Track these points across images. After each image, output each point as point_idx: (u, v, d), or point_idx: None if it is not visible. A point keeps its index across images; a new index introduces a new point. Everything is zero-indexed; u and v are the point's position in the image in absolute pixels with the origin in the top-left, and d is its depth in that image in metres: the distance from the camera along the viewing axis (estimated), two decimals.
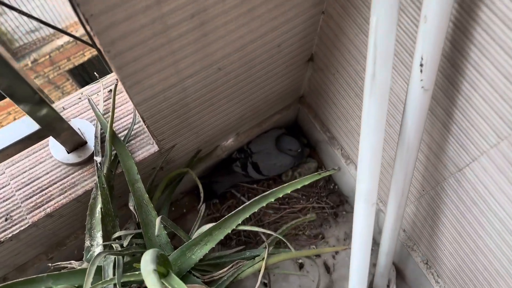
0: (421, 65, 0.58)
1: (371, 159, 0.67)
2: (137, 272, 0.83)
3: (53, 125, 0.85)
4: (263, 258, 0.92)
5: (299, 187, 0.89)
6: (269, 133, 1.23)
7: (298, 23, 0.87)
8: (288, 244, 0.92)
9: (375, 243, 1.26)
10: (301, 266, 1.22)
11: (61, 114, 0.99)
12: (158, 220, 0.84)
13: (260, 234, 0.94)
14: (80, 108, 1.01)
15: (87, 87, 1.03)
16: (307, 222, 1.26)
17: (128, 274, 0.83)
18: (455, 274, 0.97)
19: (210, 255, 0.99)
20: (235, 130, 1.17)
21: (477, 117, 0.65)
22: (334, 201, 1.28)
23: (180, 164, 1.11)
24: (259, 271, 0.92)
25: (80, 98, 1.02)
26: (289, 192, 0.89)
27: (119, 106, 1.01)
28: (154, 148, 0.98)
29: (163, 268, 0.84)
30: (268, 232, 0.89)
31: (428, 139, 0.79)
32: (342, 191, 1.30)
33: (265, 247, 0.93)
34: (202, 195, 1.01)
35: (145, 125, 0.85)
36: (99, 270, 0.87)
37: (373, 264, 1.12)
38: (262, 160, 1.20)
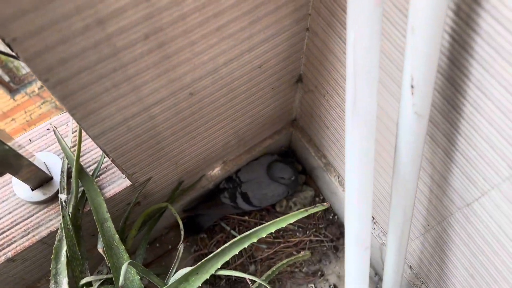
0: (412, 86, 0.48)
1: (359, 197, 0.57)
2: None
3: (9, 162, 0.76)
4: None
5: (283, 225, 0.78)
6: (259, 160, 1.13)
7: (280, 42, 0.78)
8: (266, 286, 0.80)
9: (380, 279, 1.14)
10: None
11: (28, 146, 0.91)
12: (123, 268, 0.74)
13: (247, 279, 0.83)
14: (48, 140, 0.93)
15: (56, 117, 0.95)
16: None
17: None
18: None
19: None
20: (221, 159, 1.07)
21: (484, 146, 0.55)
22: (334, 233, 1.16)
23: (160, 197, 1.02)
24: None
25: (48, 129, 0.94)
26: (273, 231, 0.78)
27: (88, 138, 0.93)
28: (126, 182, 0.88)
29: None
30: (252, 278, 0.78)
31: (430, 169, 0.68)
32: (342, 221, 1.19)
33: None
34: (182, 232, 0.90)
35: (109, 159, 0.76)
36: None
37: None
38: (253, 190, 1.10)
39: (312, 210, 0.76)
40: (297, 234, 1.15)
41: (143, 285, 0.86)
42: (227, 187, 1.12)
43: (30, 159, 0.81)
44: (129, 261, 0.77)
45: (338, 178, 1.08)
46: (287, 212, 1.19)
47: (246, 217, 1.17)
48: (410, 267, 0.98)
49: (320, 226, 1.17)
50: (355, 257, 0.63)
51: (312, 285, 1.11)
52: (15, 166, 0.78)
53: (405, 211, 0.66)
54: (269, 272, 0.91)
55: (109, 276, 0.86)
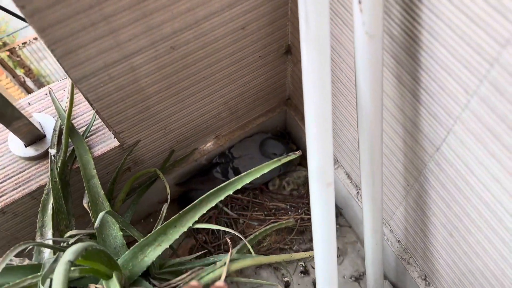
0: (359, 1, 0.49)
1: (318, 127, 0.57)
2: (72, 268, 0.74)
3: (10, 117, 0.81)
4: (225, 263, 0.81)
5: (258, 175, 0.79)
6: (253, 137, 1.15)
7: (262, 2, 0.80)
8: (249, 246, 0.80)
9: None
10: (287, 285, 1.09)
11: (27, 108, 0.96)
12: (101, 214, 0.76)
13: (227, 239, 0.83)
14: (45, 104, 0.97)
15: (55, 83, 1.00)
16: (294, 236, 1.13)
17: None
18: None
19: (171, 261, 0.89)
20: (213, 132, 1.09)
21: (443, 75, 0.55)
22: None
23: (152, 166, 1.04)
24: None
25: (46, 94, 0.98)
26: (247, 182, 0.79)
27: (83, 102, 0.97)
28: (115, 143, 0.91)
29: (107, 269, 0.75)
30: (229, 230, 0.78)
31: (401, 117, 0.68)
32: (335, 202, 1.18)
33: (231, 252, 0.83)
34: (168, 193, 0.92)
35: (93, 110, 0.79)
36: (38, 268, 0.79)
37: None
38: (244, 166, 1.11)
39: (285, 159, 0.76)
40: (289, 213, 1.15)
41: (125, 241, 0.87)
42: (219, 162, 1.13)
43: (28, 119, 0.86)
44: (107, 210, 0.79)
45: None
46: (280, 192, 1.19)
47: (239, 195, 1.17)
48: (398, 241, 0.96)
49: None
50: (318, 194, 0.62)
51: (302, 263, 1.10)
52: (7, 117, 0.82)
53: (372, 150, 0.65)
54: (252, 236, 0.91)
55: (93, 231, 0.88)
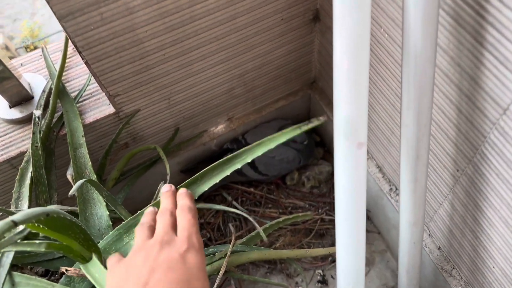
0: None
1: (351, 60, 0.43)
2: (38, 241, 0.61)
3: None
4: (226, 255, 0.67)
5: (272, 146, 0.65)
6: (271, 123, 1.01)
7: None
8: (262, 233, 0.66)
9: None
10: None
11: (18, 70, 0.86)
12: (79, 181, 0.64)
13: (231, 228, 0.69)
14: (39, 65, 0.87)
15: (52, 44, 0.90)
16: (312, 239, 0.97)
17: (25, 242, 0.61)
18: None
19: None
20: (226, 113, 0.96)
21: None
22: None
23: (153, 144, 0.91)
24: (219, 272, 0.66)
25: (41, 55, 0.88)
26: (262, 152, 0.65)
27: (80, 64, 0.86)
28: (110, 109, 0.79)
29: (84, 250, 0.62)
30: (238, 211, 0.64)
31: (456, 72, 0.53)
32: None
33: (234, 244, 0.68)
34: (168, 173, 0.78)
35: (82, 60, 0.67)
36: None
37: None
38: None
39: (306, 127, 0.62)
40: (308, 212, 0.99)
41: (111, 223, 0.74)
42: (230, 148, 0.99)
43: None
44: (86, 179, 0.66)
45: None
46: (299, 188, 1.04)
47: (252, 189, 1.03)
48: (439, 248, 0.79)
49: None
50: (344, 157, 0.48)
51: (320, 271, 0.93)
52: (2, 81, 0.72)
53: (419, 128, 0.50)
54: (262, 228, 0.75)
55: (75, 208, 0.76)
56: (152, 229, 0.49)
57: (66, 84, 0.83)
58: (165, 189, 0.57)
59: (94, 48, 0.66)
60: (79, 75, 0.84)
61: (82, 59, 0.67)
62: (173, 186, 0.57)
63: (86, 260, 0.63)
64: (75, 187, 0.61)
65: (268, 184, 1.04)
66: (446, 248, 0.77)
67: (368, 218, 1.01)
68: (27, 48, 3.42)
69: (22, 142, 0.78)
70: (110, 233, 0.69)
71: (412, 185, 0.57)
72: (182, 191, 0.55)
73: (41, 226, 0.52)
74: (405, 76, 0.48)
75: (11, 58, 0.84)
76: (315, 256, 0.96)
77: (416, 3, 0.42)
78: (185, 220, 0.47)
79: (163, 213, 0.50)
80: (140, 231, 0.49)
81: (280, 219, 0.77)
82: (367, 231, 1.00)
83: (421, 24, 0.43)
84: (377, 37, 0.67)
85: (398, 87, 0.68)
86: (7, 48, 3.14)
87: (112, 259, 0.48)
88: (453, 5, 0.48)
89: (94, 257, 0.59)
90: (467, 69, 0.51)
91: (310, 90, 1.02)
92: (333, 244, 0.98)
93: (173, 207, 0.52)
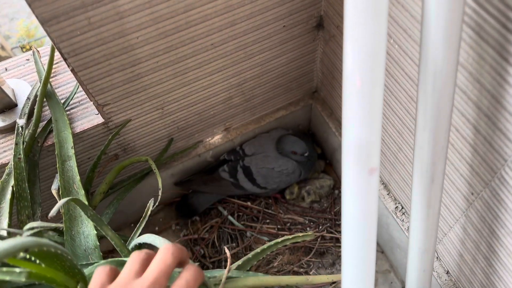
0: None
1: (364, 70, 0.38)
2: (17, 271, 0.56)
3: None
4: (221, 281, 0.62)
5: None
6: (270, 133, 0.96)
7: None
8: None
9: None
10: None
11: (1, 75, 0.81)
12: (61, 201, 0.59)
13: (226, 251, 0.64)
14: (25, 70, 0.82)
15: (43, 47, 0.84)
16: (312, 258, 0.92)
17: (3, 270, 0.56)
18: None
19: None
20: (223, 123, 0.91)
21: None
22: None
23: (145, 156, 0.86)
24: None
25: (28, 60, 0.83)
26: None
27: (67, 71, 0.81)
28: (98, 119, 0.74)
29: (68, 279, 0.57)
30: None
31: (476, 87, 0.49)
32: None
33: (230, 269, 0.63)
34: (160, 188, 0.73)
35: (68, 67, 0.62)
36: None
37: None
38: (257, 164, 0.92)
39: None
40: (308, 229, 0.94)
41: (98, 243, 0.69)
42: (228, 160, 0.94)
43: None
44: (72, 197, 0.61)
45: None
46: (298, 203, 0.99)
47: (249, 203, 0.98)
48: (447, 272, 0.74)
49: (337, 222, 0.95)
50: (354, 184, 0.43)
51: None
52: None
53: (435, 145, 0.46)
54: (259, 250, 0.70)
55: (60, 225, 0.70)
56: (142, 267, 0.38)
57: (54, 89, 0.78)
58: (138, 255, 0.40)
59: (81, 54, 0.61)
60: (67, 82, 0.79)
61: (68, 66, 0.62)
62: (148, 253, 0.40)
63: None
64: (56, 207, 0.56)
65: (266, 198, 0.99)
66: (456, 273, 0.72)
67: None
68: (22, 48, 3.35)
69: (3, 153, 0.73)
70: (100, 262, 0.64)
71: (424, 210, 0.52)
72: (191, 267, 0.39)
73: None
74: (422, 95, 0.43)
75: (6, 58, 0.79)
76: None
77: (438, 16, 0.37)
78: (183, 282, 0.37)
79: (163, 260, 0.37)
80: (130, 261, 0.41)
81: (279, 240, 0.72)
82: None
83: (443, 39, 0.38)
84: (387, 48, 0.62)
85: (408, 101, 0.63)
86: (2, 47, 3.08)
87: None
88: (475, 16, 0.43)
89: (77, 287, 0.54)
90: (488, 86, 0.46)
91: (312, 100, 0.97)
92: (334, 263, 0.93)
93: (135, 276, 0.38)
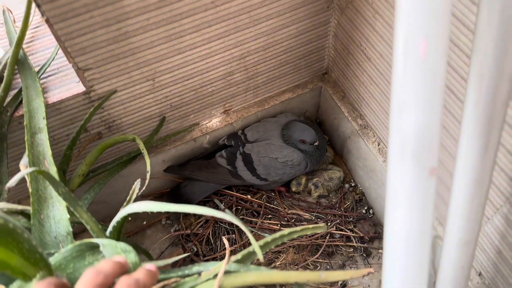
0: None
1: (429, 48, 0.29)
2: None
3: None
4: (214, 276, 0.51)
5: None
6: (277, 118, 0.86)
7: None
8: (258, 250, 0.51)
9: None
10: None
11: None
12: (26, 171, 0.49)
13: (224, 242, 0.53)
14: None
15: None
16: (319, 258, 0.82)
17: None
18: None
19: None
20: (221, 103, 0.81)
21: None
22: (366, 232, 0.84)
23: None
24: None
25: (2, 24, 0.73)
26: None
27: (49, 35, 0.71)
28: (79, 87, 0.64)
29: (27, 265, 0.46)
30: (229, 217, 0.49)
31: None
32: (380, 219, 0.87)
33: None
34: (148, 170, 0.63)
35: (42, 16, 0.52)
36: None
37: None
38: (258, 153, 0.81)
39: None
40: (321, 224, 0.84)
41: (71, 228, 0.59)
42: (228, 145, 0.84)
43: None
44: (39, 169, 0.50)
45: (378, 145, 0.78)
46: (304, 197, 0.89)
47: (249, 196, 0.87)
48: (479, 274, 0.64)
49: (348, 219, 0.85)
50: (410, 187, 0.32)
51: None
52: None
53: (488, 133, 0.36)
54: (261, 243, 0.60)
55: (27, 208, 0.60)
56: None
57: (30, 57, 0.68)
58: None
59: (57, 1, 0.51)
60: (46, 47, 0.70)
61: (42, 15, 0.52)
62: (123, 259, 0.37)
63: (29, 278, 0.47)
64: (16, 176, 0.45)
65: (269, 192, 0.89)
66: (490, 275, 0.62)
67: None
68: None
69: None
70: (70, 246, 0.52)
71: (471, 190, 0.42)
72: (148, 266, 0.38)
73: None
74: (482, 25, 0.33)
75: None
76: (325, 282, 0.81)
77: None
78: None
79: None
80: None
81: (285, 232, 0.61)
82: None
83: None
84: None
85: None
86: None
87: None
88: None
89: (37, 277, 0.43)
90: None
91: (322, 82, 0.87)
92: (344, 265, 0.82)
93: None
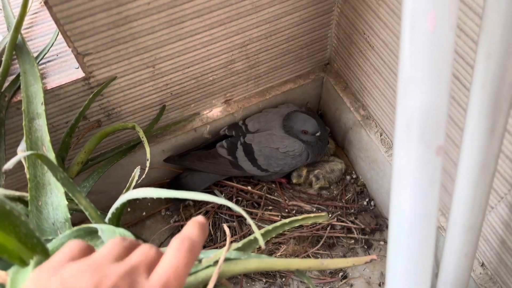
0: None
1: (438, 22, 0.28)
2: None
3: None
4: (215, 263, 0.50)
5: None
6: (279, 108, 0.85)
7: None
8: (259, 238, 0.50)
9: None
10: None
11: None
12: (23, 154, 0.48)
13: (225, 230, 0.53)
14: None
15: None
16: (320, 249, 0.81)
17: None
18: None
19: None
20: (222, 92, 0.80)
21: None
22: (367, 224, 0.83)
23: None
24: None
25: (1, 9, 0.72)
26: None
27: (49, 21, 0.70)
28: (78, 73, 0.63)
29: (24, 250, 0.45)
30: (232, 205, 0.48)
31: None
32: (381, 211, 0.86)
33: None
34: (148, 158, 0.62)
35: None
36: None
37: None
38: (259, 142, 0.81)
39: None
40: (323, 213, 0.83)
41: (69, 215, 0.58)
42: (229, 135, 0.83)
43: None
44: (37, 153, 0.50)
45: (381, 135, 0.77)
46: (305, 189, 0.88)
47: (249, 188, 0.87)
48: (482, 264, 0.63)
49: (349, 211, 0.84)
50: (416, 166, 0.31)
51: None
52: None
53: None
54: (262, 231, 0.59)
55: (25, 194, 0.59)
56: (123, 253, 0.30)
57: (29, 43, 0.67)
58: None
59: None
60: (45, 33, 0.69)
61: None
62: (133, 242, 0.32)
63: (25, 263, 0.46)
64: (13, 159, 0.44)
65: (269, 183, 0.88)
66: (493, 265, 0.61)
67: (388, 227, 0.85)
68: None
69: None
70: (68, 231, 0.52)
71: (476, 173, 0.42)
72: (196, 218, 0.33)
73: None
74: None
75: None
76: (325, 269, 0.80)
77: None
78: (171, 265, 0.28)
79: (149, 246, 0.30)
80: (111, 243, 0.31)
81: (287, 221, 0.60)
82: (386, 242, 0.84)
83: None
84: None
85: None
86: None
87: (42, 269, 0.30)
88: None
89: (33, 262, 0.42)
90: None
91: (324, 73, 0.87)
92: (344, 257, 0.82)
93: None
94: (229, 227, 0.84)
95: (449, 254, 0.51)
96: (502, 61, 0.35)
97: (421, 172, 0.32)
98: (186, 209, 0.86)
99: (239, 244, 0.59)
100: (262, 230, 0.60)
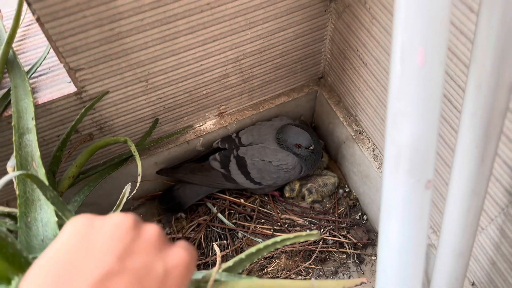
0: None
1: (428, 56, 0.28)
2: None
3: None
4: (205, 283, 0.50)
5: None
6: (273, 121, 0.85)
7: None
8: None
9: None
10: None
11: None
12: (12, 174, 0.48)
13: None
14: None
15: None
16: (311, 264, 0.81)
17: None
18: None
19: None
20: (216, 105, 0.80)
21: None
22: (359, 238, 0.83)
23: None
24: None
25: None
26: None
27: (40, 34, 0.70)
28: (70, 88, 0.63)
29: (15, 272, 0.45)
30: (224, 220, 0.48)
31: None
32: (373, 225, 0.86)
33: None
34: (139, 174, 0.62)
35: (33, 15, 0.51)
36: None
37: None
38: (253, 155, 0.80)
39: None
40: (308, 231, 0.83)
41: (59, 231, 0.57)
42: (222, 148, 0.83)
43: None
44: (26, 172, 0.49)
45: (373, 151, 0.77)
46: (298, 202, 0.88)
47: (242, 200, 0.87)
48: (473, 284, 0.63)
49: (341, 225, 0.84)
50: (405, 200, 0.32)
51: None
52: None
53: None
54: (253, 249, 0.59)
55: (14, 210, 0.59)
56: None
57: (21, 56, 0.67)
58: None
59: (49, 0, 0.50)
60: (38, 46, 0.69)
61: (33, 14, 0.51)
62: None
63: (9, 280, 0.46)
64: (2, 180, 0.44)
65: (262, 196, 0.88)
66: (484, 285, 0.61)
67: None
68: None
69: None
70: None
71: (466, 200, 0.42)
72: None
73: None
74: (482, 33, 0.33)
75: None
76: None
77: None
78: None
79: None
80: (130, 215, 0.31)
81: (278, 239, 0.60)
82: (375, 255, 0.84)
83: None
84: None
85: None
86: None
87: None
88: None
89: (17, 279, 0.42)
90: None
91: (317, 86, 0.87)
92: (336, 271, 0.82)
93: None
94: (220, 244, 0.83)
95: (439, 277, 0.51)
96: (492, 92, 0.35)
97: (409, 206, 0.32)
98: (178, 221, 0.86)
99: (230, 263, 0.59)
100: (254, 248, 0.60)
